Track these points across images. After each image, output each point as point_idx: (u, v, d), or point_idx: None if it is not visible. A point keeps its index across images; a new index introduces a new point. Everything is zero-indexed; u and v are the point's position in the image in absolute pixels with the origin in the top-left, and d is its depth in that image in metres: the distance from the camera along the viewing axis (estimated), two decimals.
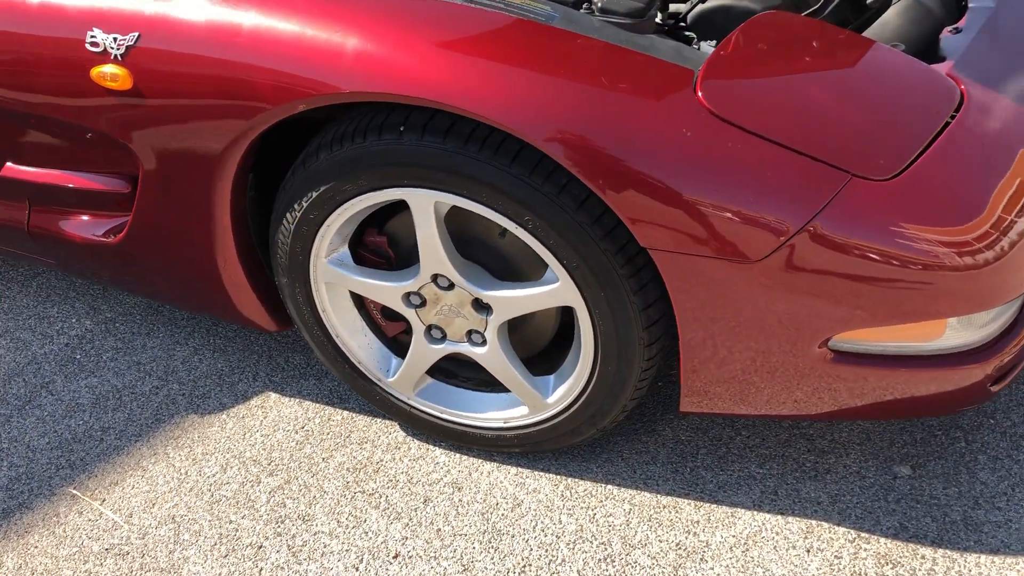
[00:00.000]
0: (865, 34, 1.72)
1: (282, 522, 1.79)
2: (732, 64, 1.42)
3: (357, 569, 1.69)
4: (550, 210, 1.43)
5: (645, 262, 1.45)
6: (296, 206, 1.60)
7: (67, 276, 2.44)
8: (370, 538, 1.74)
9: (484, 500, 1.79)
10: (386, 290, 1.68)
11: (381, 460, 1.89)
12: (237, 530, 1.78)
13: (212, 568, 1.72)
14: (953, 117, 1.47)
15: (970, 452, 1.79)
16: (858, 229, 1.34)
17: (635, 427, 1.90)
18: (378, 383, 1.84)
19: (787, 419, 1.60)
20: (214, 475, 1.89)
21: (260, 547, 1.75)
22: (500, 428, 1.77)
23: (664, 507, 1.74)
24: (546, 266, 1.54)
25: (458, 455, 1.88)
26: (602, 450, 1.86)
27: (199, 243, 1.74)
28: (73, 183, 1.83)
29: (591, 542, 1.70)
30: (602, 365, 1.58)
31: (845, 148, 1.36)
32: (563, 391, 1.67)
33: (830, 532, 1.67)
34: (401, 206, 1.61)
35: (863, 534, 1.66)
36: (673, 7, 1.80)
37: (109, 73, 1.58)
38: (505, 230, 1.51)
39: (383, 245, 1.69)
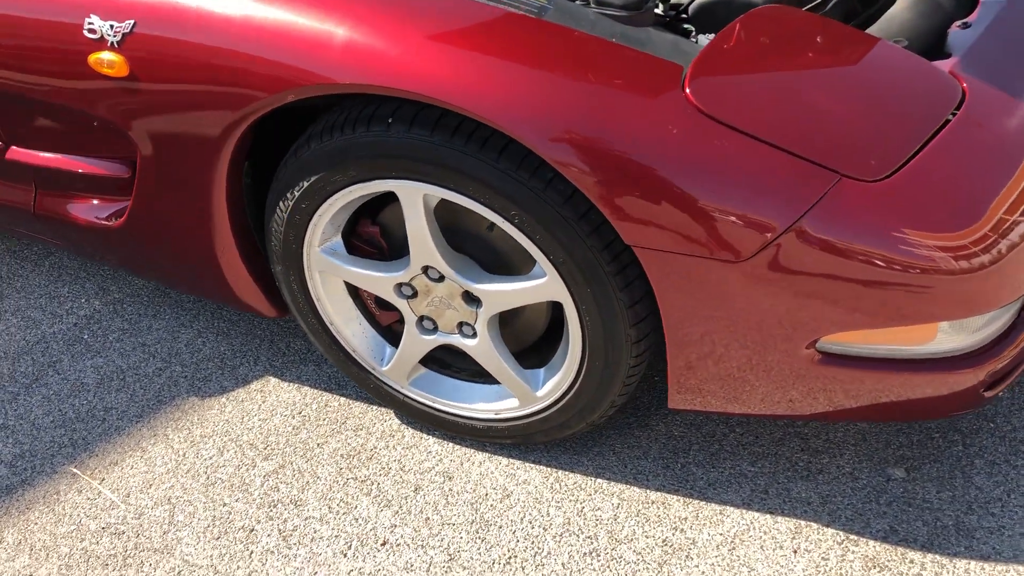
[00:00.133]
0: (872, 28, 1.68)
1: (274, 506, 1.81)
2: (724, 60, 1.40)
3: (345, 555, 1.71)
4: (536, 205, 1.42)
5: (631, 259, 1.43)
6: (289, 195, 1.61)
7: (78, 256, 2.47)
8: (360, 524, 1.76)
9: (474, 490, 1.79)
10: (378, 280, 1.68)
11: (375, 447, 1.90)
12: (230, 513, 1.81)
13: (204, 549, 1.74)
14: (954, 116, 1.44)
15: (967, 456, 1.76)
16: (846, 230, 1.32)
17: (628, 421, 1.89)
18: (372, 371, 1.85)
19: (779, 418, 1.58)
20: (211, 458, 1.92)
21: (252, 530, 1.77)
22: (491, 419, 1.77)
23: (653, 503, 1.74)
24: (535, 261, 1.53)
25: (451, 444, 1.89)
26: (594, 443, 1.85)
27: (197, 229, 1.76)
28: (75, 167, 1.85)
29: (578, 535, 1.70)
30: (590, 360, 1.58)
31: (835, 148, 1.34)
32: (552, 385, 1.67)
33: (819, 533, 1.66)
34: (394, 196, 1.61)
35: (852, 536, 1.65)
36: None
37: (106, 60, 1.59)
38: (493, 224, 1.50)
39: (376, 235, 1.69)
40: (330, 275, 1.72)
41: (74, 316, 2.30)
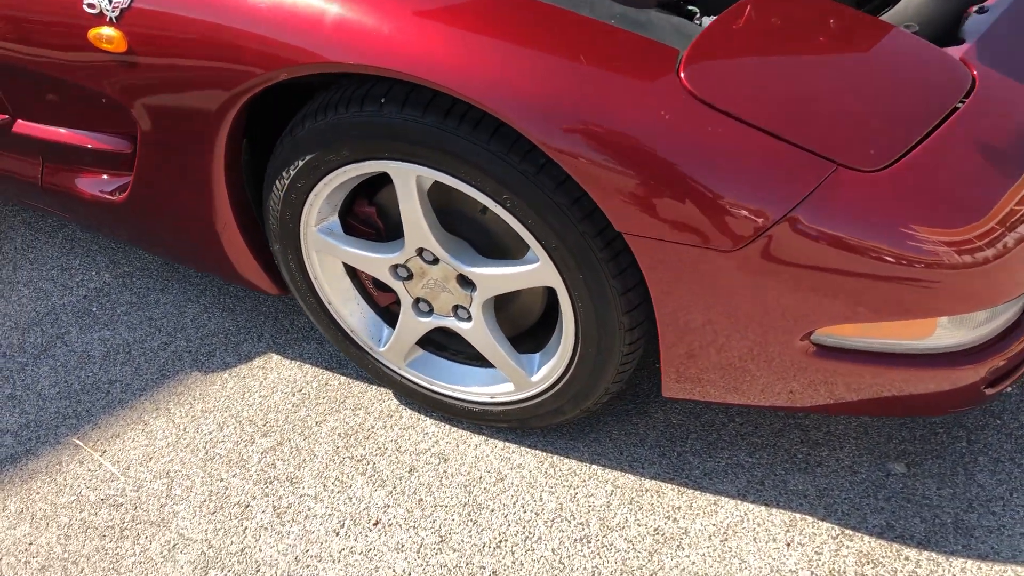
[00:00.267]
0: (887, 13, 1.64)
1: (270, 483, 1.82)
2: (722, 44, 1.37)
3: (338, 534, 1.72)
4: (528, 189, 1.40)
5: (624, 246, 1.41)
6: (285, 174, 1.60)
7: (86, 230, 2.49)
8: (353, 504, 1.76)
9: (468, 473, 1.79)
10: (373, 261, 1.67)
11: (372, 427, 1.90)
12: (227, 488, 1.82)
13: (199, 524, 1.76)
14: (962, 104, 1.39)
15: (970, 453, 1.73)
16: (842, 222, 1.28)
17: (626, 408, 1.88)
18: (370, 352, 1.84)
19: (778, 410, 1.56)
20: (211, 433, 1.93)
21: (247, 506, 1.78)
22: (487, 403, 1.77)
23: (647, 491, 1.73)
24: (529, 246, 1.51)
25: (448, 426, 1.88)
26: (591, 429, 1.84)
27: (197, 206, 1.76)
28: (79, 141, 1.86)
29: (569, 521, 1.69)
30: (583, 347, 1.56)
31: (833, 136, 1.30)
32: (547, 370, 1.65)
33: (813, 527, 1.64)
34: (390, 177, 1.60)
35: (847, 531, 1.62)
36: None
37: (105, 35, 1.59)
38: (486, 207, 1.48)
39: (372, 216, 1.68)
40: (327, 255, 1.72)
41: (84, 288, 2.33)
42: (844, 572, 1.57)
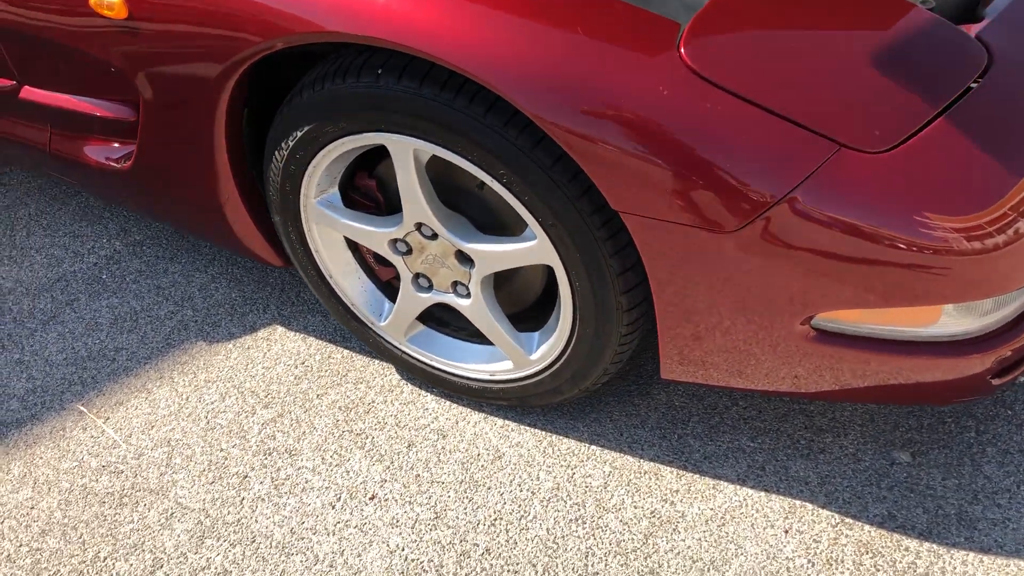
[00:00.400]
0: None
1: (269, 454, 1.82)
2: (725, 18, 1.33)
3: (334, 507, 1.72)
4: (524, 165, 1.37)
5: (622, 225, 1.38)
6: (283, 144, 1.59)
7: (94, 197, 2.50)
8: (351, 478, 1.76)
9: (466, 450, 1.78)
10: (372, 235, 1.66)
11: (373, 402, 1.90)
12: (226, 458, 1.82)
13: (198, 493, 1.77)
14: (977, 84, 1.34)
15: (979, 443, 1.69)
16: (843, 204, 1.25)
17: (629, 388, 1.85)
18: (371, 326, 1.83)
19: (781, 395, 1.53)
20: (213, 403, 1.94)
21: (245, 477, 1.79)
22: (486, 380, 1.75)
23: (645, 473, 1.70)
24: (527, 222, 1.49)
25: (448, 403, 1.87)
26: (592, 409, 1.82)
27: (200, 176, 1.75)
28: (84, 109, 1.85)
29: (565, 501, 1.67)
30: (580, 327, 1.54)
31: (837, 116, 1.26)
32: (545, 349, 1.63)
33: (813, 514, 1.61)
34: None
35: (847, 520, 1.60)
36: None
37: (106, 1, 1.58)
38: (483, 183, 1.46)
39: (373, 189, 1.66)
40: (327, 228, 1.70)
41: (95, 256, 2.34)
42: (842, 561, 1.54)
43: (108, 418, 1.93)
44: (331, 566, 1.62)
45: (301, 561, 1.63)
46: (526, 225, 1.51)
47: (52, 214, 2.49)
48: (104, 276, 2.27)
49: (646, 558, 1.57)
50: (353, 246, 1.78)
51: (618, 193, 1.31)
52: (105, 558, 1.67)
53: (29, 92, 1.92)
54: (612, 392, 1.84)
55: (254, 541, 1.67)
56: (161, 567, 1.65)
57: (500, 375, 1.73)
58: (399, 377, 1.93)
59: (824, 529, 1.59)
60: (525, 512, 1.67)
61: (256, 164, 1.76)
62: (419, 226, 1.60)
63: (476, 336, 1.77)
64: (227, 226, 1.85)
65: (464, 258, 1.60)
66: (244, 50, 1.48)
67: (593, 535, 1.62)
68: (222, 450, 1.84)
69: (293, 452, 1.82)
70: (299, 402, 1.91)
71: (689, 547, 1.58)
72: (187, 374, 2.01)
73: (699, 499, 1.65)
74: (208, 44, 1.51)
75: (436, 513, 1.68)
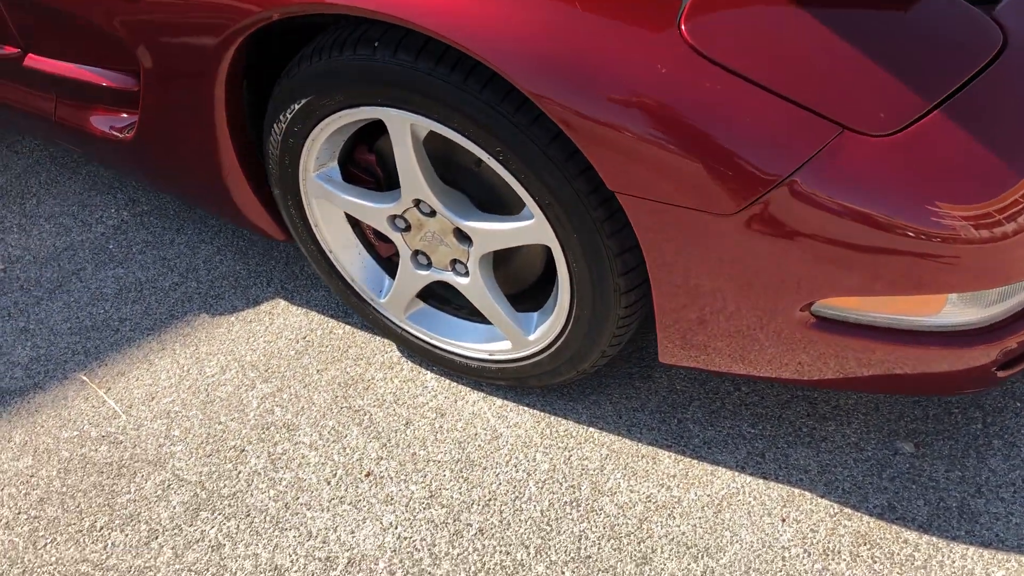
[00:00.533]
0: None
1: (267, 429, 1.82)
2: None
3: (329, 483, 1.71)
4: (521, 142, 1.35)
5: (620, 206, 1.35)
6: (282, 117, 1.57)
7: (101, 166, 2.50)
8: (347, 454, 1.75)
9: (464, 429, 1.77)
10: (371, 211, 1.64)
11: (372, 378, 1.89)
12: (224, 432, 1.82)
13: (194, 466, 1.77)
14: (990, 66, 1.30)
15: (985, 435, 1.65)
16: (845, 188, 1.21)
17: (630, 371, 1.83)
18: (371, 303, 1.82)
19: (774, 381, 1.50)
20: (213, 375, 1.94)
21: (242, 451, 1.79)
22: (485, 360, 1.73)
23: (643, 457, 1.68)
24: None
25: (448, 381, 1.86)
26: (591, 391, 1.80)
27: (201, 147, 1.74)
28: (87, 77, 1.84)
29: (561, 483, 1.66)
30: (578, 308, 1.51)
31: (841, 97, 1.22)
32: (543, 330, 1.61)
33: (811, 503, 1.58)
34: None
35: (846, 510, 1.57)
36: None
37: None
38: (481, 160, 1.44)
39: (372, 164, 1.64)
40: (326, 202, 1.69)
41: (103, 225, 2.34)
42: (839, 552, 1.52)
43: (109, 388, 1.94)
44: (324, 542, 1.62)
45: (295, 536, 1.63)
46: (524, 204, 1.49)
47: (63, 183, 2.49)
48: (111, 246, 2.27)
49: (640, 543, 1.56)
50: (353, 221, 1.76)
51: (614, 173, 1.29)
52: (101, 528, 1.68)
53: (33, 60, 1.92)
54: (613, 374, 1.82)
55: (249, 515, 1.67)
56: (156, 538, 1.65)
57: (498, 355, 1.71)
58: (399, 354, 1.92)
59: (822, 519, 1.56)
60: (520, 493, 1.65)
61: (259, 137, 1.75)
62: (417, 203, 1.58)
63: (477, 315, 1.76)
64: (229, 199, 1.84)
65: (462, 236, 1.58)
66: (241, 20, 1.46)
67: (587, 518, 1.60)
68: (220, 423, 1.84)
69: (291, 427, 1.81)
70: (299, 377, 1.91)
71: (684, 533, 1.57)
72: (189, 346, 2.01)
73: (696, 485, 1.63)
74: (205, 13, 1.49)
75: (431, 492, 1.68)
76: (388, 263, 1.80)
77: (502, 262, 1.66)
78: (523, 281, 1.68)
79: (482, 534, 1.60)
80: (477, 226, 1.53)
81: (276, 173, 1.68)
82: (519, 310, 1.66)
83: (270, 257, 2.20)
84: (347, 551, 1.60)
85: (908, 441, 1.66)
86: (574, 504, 1.63)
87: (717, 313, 1.41)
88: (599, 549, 1.56)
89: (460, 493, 1.67)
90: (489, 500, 1.65)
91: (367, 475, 1.72)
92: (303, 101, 1.51)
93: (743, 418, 1.73)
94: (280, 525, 1.65)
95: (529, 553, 1.56)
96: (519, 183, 1.40)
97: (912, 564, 1.49)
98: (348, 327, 2.00)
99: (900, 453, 1.64)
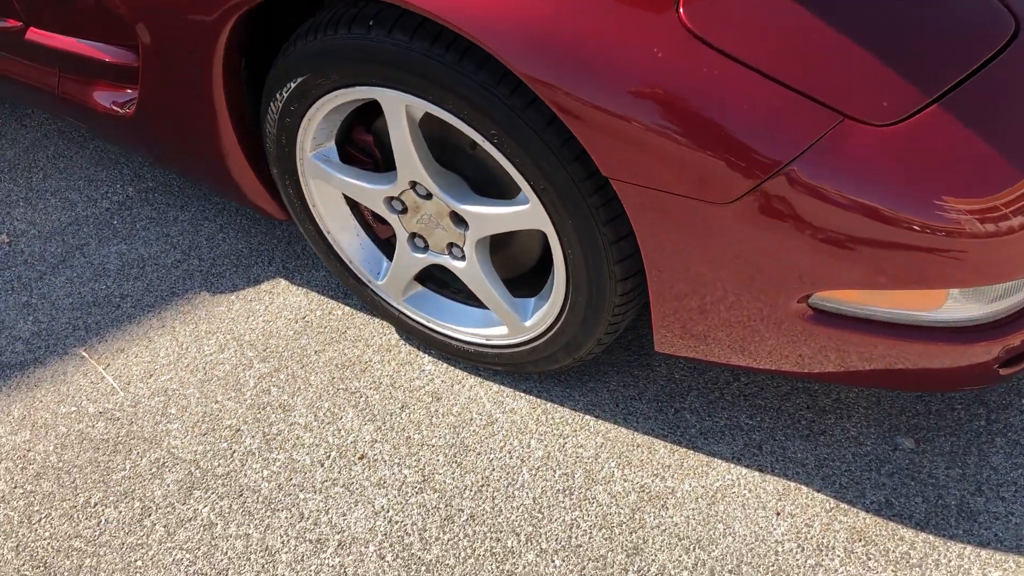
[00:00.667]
0: None
1: (263, 409, 1.81)
2: None
3: (323, 465, 1.71)
4: (516, 126, 1.32)
5: (616, 192, 1.33)
6: (278, 96, 1.55)
7: (105, 141, 2.49)
8: (342, 436, 1.75)
9: (459, 414, 1.76)
10: (368, 192, 1.62)
11: (370, 361, 1.88)
12: (220, 411, 1.82)
13: (190, 444, 1.77)
14: (1001, 53, 1.26)
15: (988, 433, 1.62)
16: (844, 178, 1.18)
17: (629, 359, 1.81)
18: (369, 284, 1.81)
19: (773, 374, 1.47)
20: (211, 354, 1.93)
21: (238, 430, 1.78)
22: (481, 344, 1.72)
23: (638, 446, 1.67)
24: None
25: (445, 365, 1.84)
26: (589, 378, 1.78)
27: (200, 125, 1.73)
28: (89, 52, 1.83)
29: (554, 471, 1.64)
30: (573, 295, 1.49)
31: (843, 85, 1.19)
32: (540, 316, 1.60)
33: (807, 498, 1.56)
34: None
35: (842, 505, 1.55)
36: None
37: None
38: (475, 143, 1.41)
39: (370, 144, 1.63)
40: (323, 183, 1.67)
41: (108, 201, 2.33)
42: (833, 547, 1.49)
43: (108, 364, 1.94)
44: (315, 524, 1.61)
45: (286, 517, 1.63)
46: (520, 189, 1.46)
47: (69, 157, 2.49)
48: (115, 222, 2.27)
49: (631, 533, 1.54)
50: (352, 203, 1.75)
51: (607, 158, 1.26)
52: (95, 504, 1.68)
53: (35, 34, 1.91)
54: (611, 362, 1.80)
55: (241, 495, 1.67)
56: (149, 515, 1.65)
57: (495, 340, 1.69)
58: (397, 337, 1.91)
59: (817, 513, 1.54)
60: (513, 480, 1.64)
61: (258, 116, 1.73)
62: (413, 185, 1.56)
63: (474, 299, 1.74)
64: (229, 177, 1.83)
65: (459, 220, 1.56)
66: None
67: (580, 507, 1.59)
68: (217, 402, 1.84)
69: (287, 408, 1.81)
70: (296, 357, 1.90)
71: (676, 524, 1.55)
72: (188, 324, 2.00)
73: (691, 475, 1.61)
74: None
75: (424, 476, 1.67)
76: (386, 245, 1.79)
77: (499, 247, 1.64)
78: (520, 266, 1.66)
79: (473, 520, 1.59)
80: (473, 210, 1.51)
81: (274, 152, 1.66)
82: (516, 295, 1.64)
83: (272, 236, 2.19)
84: (338, 533, 1.59)
85: (909, 436, 1.63)
86: (567, 492, 1.61)
87: (716, 303, 1.38)
88: (590, 538, 1.54)
89: (453, 478, 1.66)
90: (482, 486, 1.64)
91: (361, 458, 1.71)
92: (299, 80, 1.49)
93: (741, 409, 1.70)
94: (272, 506, 1.65)
95: (520, 540, 1.55)
96: (514, 167, 1.38)
97: (907, 562, 1.46)
98: (347, 308, 1.99)
99: (900, 449, 1.61)
